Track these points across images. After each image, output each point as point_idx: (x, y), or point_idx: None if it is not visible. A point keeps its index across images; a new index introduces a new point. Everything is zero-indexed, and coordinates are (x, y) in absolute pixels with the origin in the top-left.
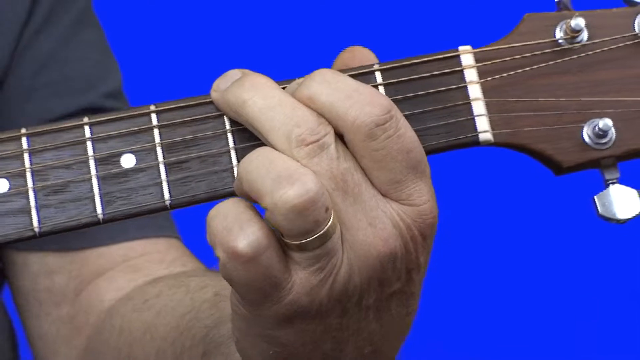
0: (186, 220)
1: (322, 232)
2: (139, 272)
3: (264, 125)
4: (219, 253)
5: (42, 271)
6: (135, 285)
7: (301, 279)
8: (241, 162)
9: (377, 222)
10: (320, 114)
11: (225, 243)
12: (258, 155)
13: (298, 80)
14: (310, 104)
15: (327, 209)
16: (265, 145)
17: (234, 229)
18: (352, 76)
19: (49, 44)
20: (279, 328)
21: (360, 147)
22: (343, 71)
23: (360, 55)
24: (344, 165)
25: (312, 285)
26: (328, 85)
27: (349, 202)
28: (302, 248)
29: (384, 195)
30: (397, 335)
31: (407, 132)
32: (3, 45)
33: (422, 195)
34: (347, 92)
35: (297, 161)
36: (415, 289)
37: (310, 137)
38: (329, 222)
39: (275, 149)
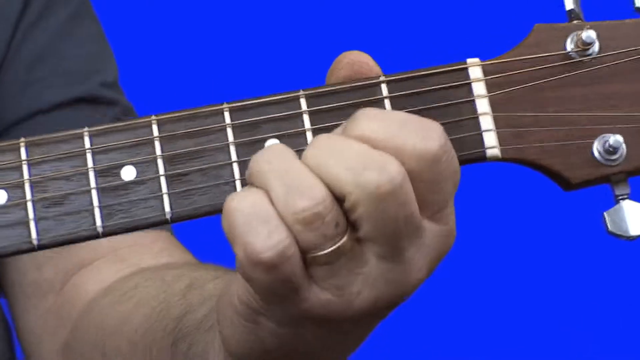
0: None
1: (332, 248)
2: (124, 262)
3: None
4: (239, 253)
5: (31, 264)
6: (119, 276)
7: (318, 292)
8: (253, 158)
9: (417, 254)
10: (379, 149)
11: (249, 246)
12: (270, 157)
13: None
14: (365, 142)
15: (337, 225)
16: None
17: (261, 233)
18: (357, 88)
19: (45, 37)
20: (286, 326)
21: (423, 172)
22: (345, 83)
23: (359, 61)
24: (411, 210)
25: (329, 300)
26: (377, 121)
27: (400, 242)
28: (314, 261)
29: (428, 217)
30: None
31: (454, 154)
32: None
33: (453, 215)
34: (399, 122)
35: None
36: None
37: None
38: (341, 239)
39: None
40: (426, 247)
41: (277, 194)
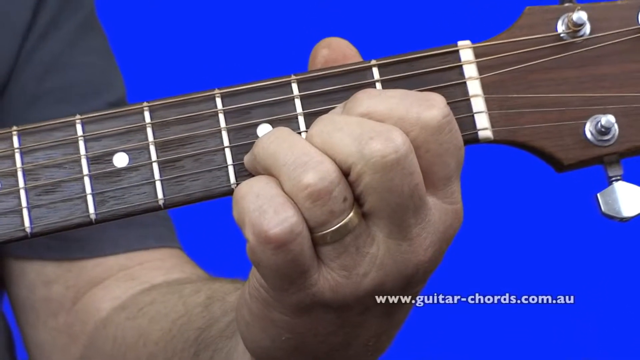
0: (187, 226)
1: (340, 224)
2: (136, 280)
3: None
4: (248, 235)
5: (39, 280)
6: (132, 293)
7: (326, 273)
8: (258, 141)
9: (423, 231)
10: (383, 122)
11: (258, 226)
12: (277, 137)
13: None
14: (367, 117)
15: (344, 199)
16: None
17: (268, 212)
18: (348, 72)
19: (54, 49)
20: (297, 315)
21: (427, 142)
22: (336, 67)
23: (339, 48)
24: (415, 181)
25: (337, 282)
26: (378, 97)
27: (405, 216)
28: (322, 240)
29: (433, 193)
30: (398, 327)
31: (457, 128)
32: (7, 49)
33: (459, 195)
34: (400, 95)
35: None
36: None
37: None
38: (348, 214)
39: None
40: (432, 225)
41: (283, 172)
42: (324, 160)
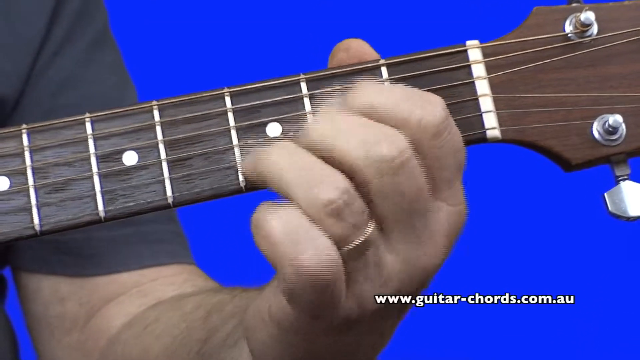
0: (194, 228)
1: (364, 237)
2: (148, 296)
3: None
4: (286, 269)
5: (54, 297)
6: (143, 310)
7: (354, 290)
8: (262, 156)
9: (435, 235)
10: (382, 121)
11: (295, 259)
12: (284, 154)
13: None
14: (369, 115)
15: (363, 212)
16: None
17: (307, 246)
18: (357, 71)
19: (67, 66)
20: (322, 338)
21: (427, 146)
22: (345, 66)
23: (357, 48)
24: (421, 184)
25: (362, 297)
26: (381, 93)
27: (415, 220)
28: (349, 256)
29: (436, 196)
30: (398, 324)
31: (457, 130)
32: (20, 65)
33: (462, 195)
34: (402, 95)
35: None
36: None
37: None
38: (370, 226)
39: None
40: (439, 227)
41: (295, 193)
42: (334, 173)
